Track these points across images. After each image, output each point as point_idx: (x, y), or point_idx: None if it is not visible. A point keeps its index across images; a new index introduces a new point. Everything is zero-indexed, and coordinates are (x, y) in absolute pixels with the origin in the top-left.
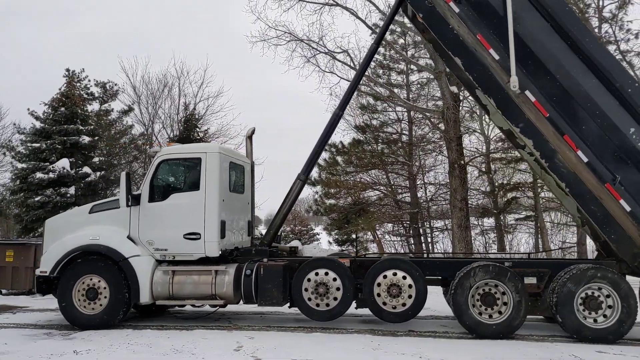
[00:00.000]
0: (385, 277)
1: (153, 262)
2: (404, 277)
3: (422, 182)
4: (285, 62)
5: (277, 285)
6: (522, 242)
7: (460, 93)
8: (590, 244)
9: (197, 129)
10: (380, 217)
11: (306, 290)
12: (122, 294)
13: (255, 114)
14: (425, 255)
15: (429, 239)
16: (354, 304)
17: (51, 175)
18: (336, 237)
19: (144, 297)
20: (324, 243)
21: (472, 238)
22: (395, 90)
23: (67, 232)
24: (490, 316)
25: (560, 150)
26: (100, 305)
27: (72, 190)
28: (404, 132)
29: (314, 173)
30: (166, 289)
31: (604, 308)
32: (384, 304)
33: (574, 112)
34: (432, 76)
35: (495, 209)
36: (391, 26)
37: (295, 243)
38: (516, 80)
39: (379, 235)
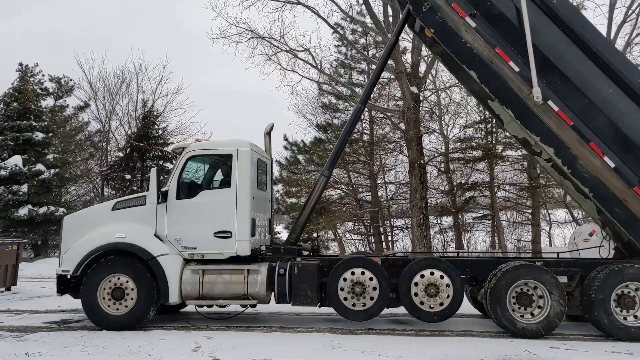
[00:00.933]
0: (422, 276)
1: (181, 261)
2: (442, 277)
3: (383, 181)
4: (247, 60)
5: (312, 285)
6: (479, 241)
7: (421, 94)
8: (544, 242)
9: (156, 126)
10: (341, 216)
11: (342, 289)
12: (150, 294)
13: (219, 112)
14: (456, 255)
15: (389, 238)
16: None
17: (2, 172)
18: None
19: (173, 297)
20: None
21: (431, 236)
22: (357, 89)
23: (88, 229)
24: (522, 316)
25: (583, 156)
26: (126, 306)
27: (24, 188)
28: (365, 131)
29: (275, 171)
30: (196, 289)
31: (636, 308)
32: (421, 303)
33: (596, 118)
34: (393, 76)
35: (453, 207)
36: (352, 26)
37: None
38: (539, 91)
39: (340, 234)
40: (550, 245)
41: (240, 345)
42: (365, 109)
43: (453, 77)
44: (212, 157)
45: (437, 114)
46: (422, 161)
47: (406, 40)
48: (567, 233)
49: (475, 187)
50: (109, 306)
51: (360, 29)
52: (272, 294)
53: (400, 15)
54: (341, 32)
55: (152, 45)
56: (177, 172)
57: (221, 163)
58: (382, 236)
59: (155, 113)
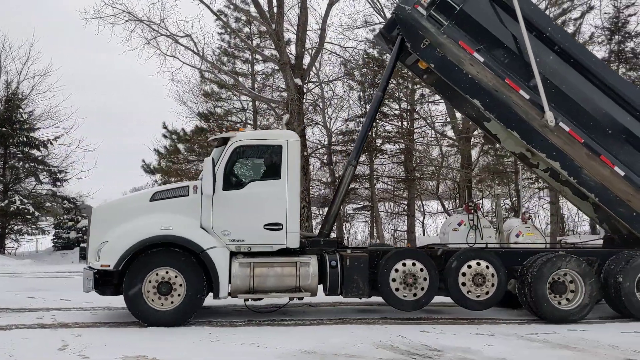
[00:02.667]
0: (469, 266)
1: (228, 254)
2: (487, 267)
3: None
4: (123, 43)
5: (363, 276)
6: (359, 231)
7: (304, 86)
8: (418, 231)
9: (21, 110)
10: None
11: (394, 280)
12: (200, 289)
13: (94, 97)
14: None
15: None
16: None
17: None
18: None
19: (223, 292)
20: None
21: (313, 227)
22: (240, 79)
23: (123, 221)
24: (560, 303)
25: (589, 167)
26: (172, 302)
27: None
28: (249, 121)
29: (153, 160)
30: (247, 283)
31: None
32: (468, 292)
33: (602, 133)
34: (277, 67)
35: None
36: (236, 14)
37: None
38: (551, 115)
39: None
40: (424, 234)
41: (113, 342)
42: (249, 99)
43: (337, 70)
44: (261, 148)
45: (321, 106)
46: (305, 153)
47: (290, 31)
48: (439, 223)
49: (356, 178)
50: (155, 302)
51: (244, 18)
52: (320, 286)
53: (389, 54)
54: (225, 19)
55: (18, 22)
56: (223, 162)
57: (271, 154)
58: None
59: (20, 96)
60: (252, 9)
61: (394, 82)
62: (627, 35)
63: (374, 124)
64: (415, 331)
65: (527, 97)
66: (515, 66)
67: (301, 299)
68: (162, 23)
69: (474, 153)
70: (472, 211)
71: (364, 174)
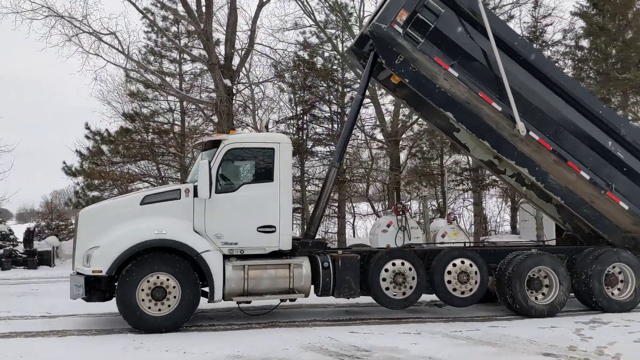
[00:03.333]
0: (454, 265)
1: (221, 257)
2: (471, 265)
3: None
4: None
5: (354, 276)
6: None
7: (234, 87)
8: (349, 233)
9: None
10: None
11: (384, 280)
12: (195, 293)
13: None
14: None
15: None
16: None
17: None
18: None
19: (218, 295)
20: None
21: None
22: (168, 79)
23: (112, 225)
24: (536, 298)
25: (555, 172)
26: (169, 305)
27: None
28: (177, 122)
29: (75, 162)
30: (241, 286)
31: (618, 284)
32: (454, 290)
33: (568, 140)
34: (205, 67)
35: None
36: (163, 12)
37: (52, 239)
38: (522, 126)
39: None
40: (354, 236)
41: (29, 352)
42: (177, 100)
43: (267, 72)
44: (253, 150)
45: (251, 108)
46: None
47: (219, 32)
48: (369, 224)
49: None
50: (149, 307)
51: (172, 17)
52: (312, 287)
53: (362, 69)
54: (151, 17)
55: None
56: (215, 165)
57: (263, 157)
58: None
59: None
60: (180, 8)
61: (324, 85)
62: (544, 43)
63: (306, 125)
64: (345, 332)
65: (500, 109)
66: (487, 80)
67: (293, 300)
68: (85, 20)
69: (403, 156)
70: (401, 213)
71: (295, 176)
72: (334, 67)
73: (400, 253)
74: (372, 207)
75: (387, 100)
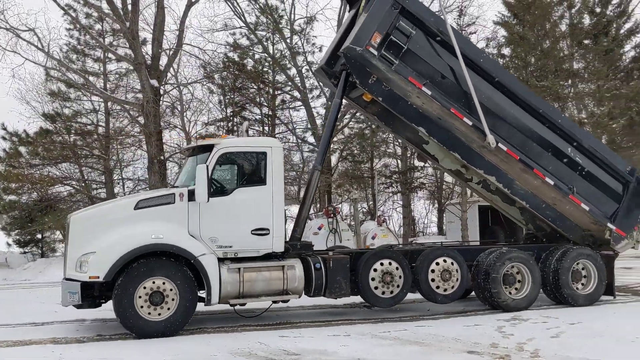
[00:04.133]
0: (437, 264)
1: (217, 260)
2: (452, 263)
3: (120, 177)
4: None
5: (345, 277)
6: None
7: (161, 87)
8: None
9: None
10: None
11: (373, 279)
12: (193, 297)
13: None
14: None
15: None
16: None
17: None
18: (17, 237)
19: (215, 299)
20: (1, 244)
21: None
22: (91, 78)
23: (107, 231)
24: (510, 293)
25: (521, 179)
26: (168, 309)
27: None
28: (101, 123)
29: None
30: (236, 288)
31: (584, 280)
32: (437, 287)
33: (533, 149)
34: (131, 67)
35: None
36: (86, 9)
37: None
38: (492, 138)
39: None
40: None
41: None
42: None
43: (196, 73)
44: (246, 154)
45: (179, 109)
46: (162, 157)
47: (146, 31)
48: None
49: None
50: (148, 313)
51: (96, 14)
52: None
53: (332, 87)
54: (73, 14)
55: None
56: (209, 169)
57: (256, 160)
58: None
59: None
60: (105, 5)
61: (255, 87)
62: None
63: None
64: (275, 336)
65: (470, 123)
66: (457, 96)
67: (286, 301)
68: (2, 15)
69: (334, 159)
70: (332, 215)
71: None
72: (265, 69)
73: (387, 253)
74: None
75: (318, 104)
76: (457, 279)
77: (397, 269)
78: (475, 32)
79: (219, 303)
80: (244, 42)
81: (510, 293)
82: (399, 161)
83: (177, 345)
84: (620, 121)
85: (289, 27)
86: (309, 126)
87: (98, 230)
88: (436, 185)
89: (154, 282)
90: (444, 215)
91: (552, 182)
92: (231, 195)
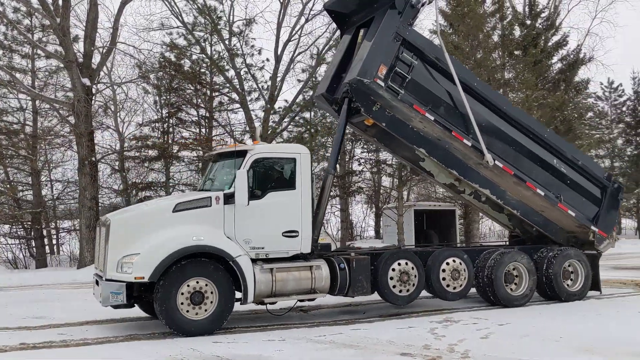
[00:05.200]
0: (448, 264)
1: (250, 261)
2: (460, 263)
3: (48, 178)
4: None
5: (366, 277)
6: None
7: (93, 86)
8: None
9: None
10: None
11: (391, 279)
12: (231, 296)
13: None
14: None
15: (54, 241)
16: None
17: None
18: None
19: (250, 297)
20: None
21: None
22: (18, 75)
23: (148, 232)
24: (511, 289)
25: (514, 191)
26: (206, 310)
27: None
28: (28, 122)
29: None
30: (269, 287)
31: (573, 277)
32: (448, 286)
33: (524, 164)
34: (62, 65)
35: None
36: (14, 3)
37: None
38: (490, 157)
39: None
40: None
41: None
42: (29, 98)
43: (131, 72)
44: (277, 160)
45: (112, 109)
46: (93, 158)
47: (78, 28)
48: None
49: (150, 186)
50: (188, 312)
51: (24, 8)
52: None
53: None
54: (0, 8)
55: None
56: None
57: (286, 166)
58: (46, 239)
59: None
60: (34, 0)
61: (192, 88)
62: None
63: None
64: (208, 342)
65: (469, 144)
66: (456, 119)
67: (313, 300)
68: None
69: None
70: None
71: (159, 181)
72: (203, 70)
73: (404, 254)
74: None
75: (257, 106)
76: (465, 278)
77: (412, 268)
78: None
79: (253, 302)
80: (181, 42)
81: (510, 290)
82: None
83: (106, 352)
84: (547, 130)
85: (227, 29)
86: (247, 128)
87: (138, 233)
88: (374, 189)
89: (195, 282)
90: (381, 219)
91: (542, 193)
92: (264, 199)
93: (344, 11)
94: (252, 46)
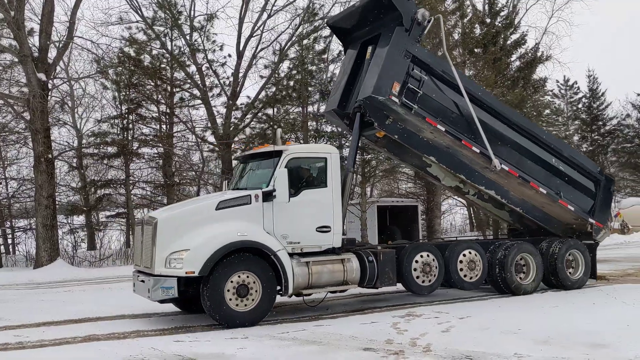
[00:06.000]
0: (464, 255)
1: (288, 255)
2: (476, 255)
3: (3, 176)
4: None
5: (392, 268)
6: (112, 239)
7: (50, 82)
8: None
9: None
10: None
11: (415, 270)
12: (273, 288)
13: None
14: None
15: (9, 240)
16: None
17: None
18: None
19: (290, 289)
20: None
21: (60, 237)
22: None
23: (193, 229)
24: (520, 278)
25: (517, 191)
26: (252, 301)
27: None
28: None
29: None
30: (306, 280)
31: (574, 266)
32: (465, 276)
33: (527, 165)
34: (16, 59)
35: (85, 206)
36: None
37: None
38: (497, 162)
39: None
40: None
41: None
42: None
43: (89, 68)
44: (310, 160)
45: (70, 105)
46: (50, 155)
47: (33, 21)
48: None
49: (110, 184)
50: (236, 305)
51: None
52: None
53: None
54: None
55: None
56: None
57: (318, 165)
58: (1, 239)
59: None
60: None
61: (152, 83)
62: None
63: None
64: (169, 342)
65: (478, 151)
66: (464, 127)
67: (344, 291)
68: None
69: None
70: None
71: (119, 179)
72: (163, 65)
73: (426, 247)
74: None
75: (218, 103)
76: (480, 269)
77: (433, 260)
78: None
79: (292, 294)
80: (141, 37)
81: (520, 279)
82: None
83: (64, 354)
84: (545, 131)
85: (188, 24)
86: (209, 125)
87: (184, 230)
88: None
89: (239, 276)
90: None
91: (544, 192)
92: (299, 196)
93: (347, 27)
94: (214, 42)
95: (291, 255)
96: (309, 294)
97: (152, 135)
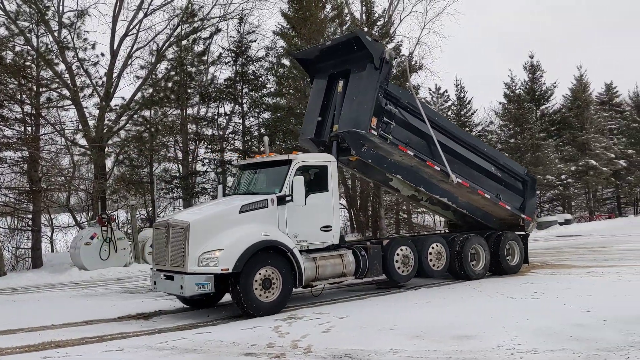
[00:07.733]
0: (433, 247)
1: (299, 252)
2: (442, 247)
3: None
4: None
5: (379, 261)
6: None
7: None
8: (46, 247)
9: None
10: None
11: (397, 262)
12: (291, 282)
13: None
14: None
15: None
16: None
17: None
18: None
19: (302, 282)
20: None
21: None
22: None
23: (221, 231)
24: (473, 266)
25: (466, 197)
26: (273, 293)
27: None
28: None
29: None
30: (314, 273)
31: (511, 254)
32: (434, 265)
33: (474, 175)
34: None
35: None
36: None
37: None
38: (454, 177)
39: None
40: (52, 250)
41: None
42: None
43: None
44: (314, 167)
45: None
46: None
47: None
48: (71, 237)
49: None
50: (260, 296)
51: None
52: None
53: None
54: None
55: None
56: (290, 179)
57: (320, 172)
58: None
59: None
60: None
61: (15, 82)
62: (249, 58)
63: None
64: (36, 358)
65: (439, 169)
66: (427, 150)
67: (342, 282)
68: None
69: (109, 163)
70: (106, 223)
71: None
72: (28, 63)
73: (404, 241)
74: (74, 219)
75: (90, 104)
76: (445, 258)
77: (410, 252)
78: (255, 41)
79: (302, 286)
80: (3, 31)
81: (473, 266)
82: (180, 166)
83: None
84: (485, 144)
85: (56, 20)
86: (80, 127)
87: (212, 232)
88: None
89: (265, 271)
90: None
91: (488, 196)
92: (307, 200)
93: (312, 59)
94: (85, 39)
95: (300, 252)
96: (315, 286)
97: (15, 137)
